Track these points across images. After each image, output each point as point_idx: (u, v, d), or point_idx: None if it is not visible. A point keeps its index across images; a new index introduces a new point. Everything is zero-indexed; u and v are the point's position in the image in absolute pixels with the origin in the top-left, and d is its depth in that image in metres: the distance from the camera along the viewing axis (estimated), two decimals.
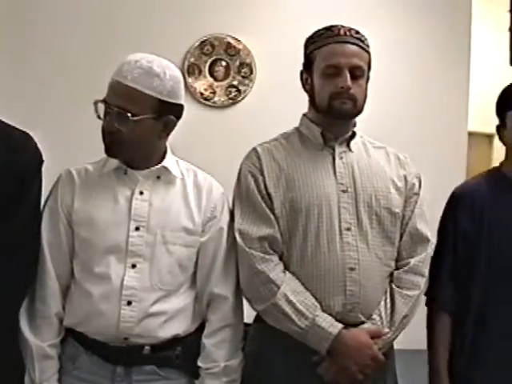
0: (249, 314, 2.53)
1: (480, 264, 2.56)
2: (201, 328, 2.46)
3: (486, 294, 2.54)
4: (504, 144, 2.63)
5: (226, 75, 4.79)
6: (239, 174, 2.54)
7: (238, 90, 4.77)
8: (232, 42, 4.76)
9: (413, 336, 2.62)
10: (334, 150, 2.53)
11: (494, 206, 2.59)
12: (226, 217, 2.47)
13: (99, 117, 2.34)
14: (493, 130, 2.67)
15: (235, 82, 4.78)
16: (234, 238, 2.44)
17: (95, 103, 2.33)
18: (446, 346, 2.59)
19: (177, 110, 2.38)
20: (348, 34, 2.48)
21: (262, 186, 2.47)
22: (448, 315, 2.60)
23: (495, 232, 2.56)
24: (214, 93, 4.76)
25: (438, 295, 2.59)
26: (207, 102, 4.72)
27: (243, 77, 4.77)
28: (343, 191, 2.46)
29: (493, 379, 2.54)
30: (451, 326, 2.60)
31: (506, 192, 2.62)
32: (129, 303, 2.31)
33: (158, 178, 2.42)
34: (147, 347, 2.35)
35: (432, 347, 2.63)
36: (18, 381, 2.36)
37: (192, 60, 4.72)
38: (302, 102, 2.62)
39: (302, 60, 2.58)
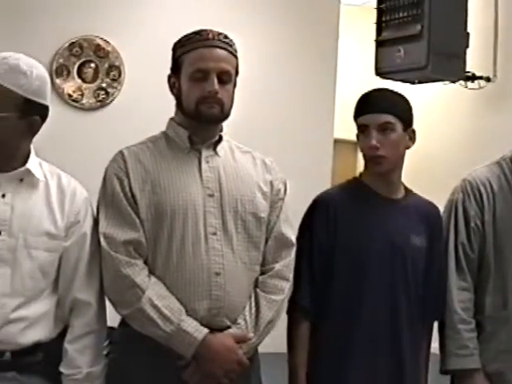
0: (112, 318, 2.51)
1: (338, 272, 2.62)
2: (63, 333, 2.42)
3: (344, 299, 2.61)
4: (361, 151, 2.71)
5: (95, 77, 4.75)
6: (104, 176, 2.50)
7: (107, 93, 4.73)
8: (101, 43, 4.72)
9: (278, 339, 2.66)
10: (200, 153, 2.53)
11: (350, 216, 2.66)
12: (89, 222, 2.44)
13: None
14: None
15: (104, 85, 4.74)
16: (98, 244, 2.42)
17: None
18: (305, 351, 2.64)
19: (42, 111, 2.34)
20: (216, 38, 2.49)
21: (128, 189, 2.44)
22: (308, 321, 2.64)
23: (350, 240, 2.63)
24: (82, 95, 4.70)
25: (298, 301, 2.63)
26: (75, 104, 4.67)
27: (112, 79, 4.74)
28: (209, 195, 2.46)
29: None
30: (310, 330, 2.64)
31: (364, 200, 2.70)
32: None
33: (21, 180, 2.37)
34: (8, 353, 2.30)
35: (291, 353, 2.66)
36: None
37: (61, 61, 4.65)
38: (171, 106, 2.61)
39: (167, 63, 2.58)
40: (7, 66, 2.26)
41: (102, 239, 2.40)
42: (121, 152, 2.52)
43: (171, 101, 2.61)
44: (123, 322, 2.49)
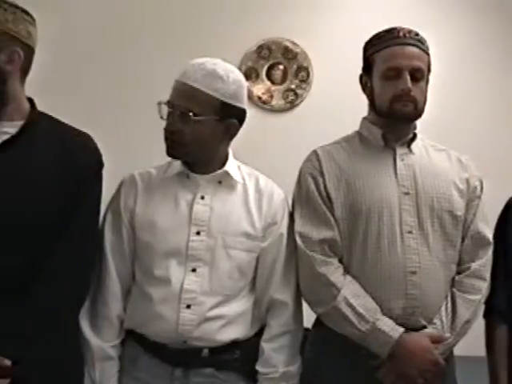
0: (307, 319, 2.52)
1: None
2: (260, 332, 2.45)
3: None
4: None
5: (284, 79, 4.78)
6: (299, 176, 2.53)
7: (296, 94, 4.75)
8: (289, 45, 4.74)
9: (473, 342, 2.59)
10: (395, 151, 2.51)
11: None
12: (286, 222, 2.46)
13: (162, 117, 2.36)
14: None
15: (293, 86, 4.77)
16: (294, 244, 2.44)
17: (159, 104, 2.36)
18: (504, 355, 2.55)
19: (239, 114, 2.39)
20: (408, 35, 2.46)
21: (322, 188, 2.46)
22: (505, 324, 2.56)
23: None
24: (271, 97, 4.75)
25: (494, 304, 2.55)
26: (265, 106, 4.72)
27: (301, 80, 4.76)
28: (405, 193, 2.44)
29: None
30: (509, 335, 2.56)
31: None
32: (188, 307, 2.32)
33: (220, 182, 2.43)
34: (206, 350, 2.36)
35: (491, 357, 2.59)
36: (78, 382, 2.39)
37: (249, 64, 4.72)
38: (359, 106, 2.60)
39: (358, 63, 2.57)
40: (205, 71, 2.32)
41: (297, 238, 2.43)
42: (315, 151, 2.55)
43: (358, 100, 2.60)
44: (317, 323, 2.52)
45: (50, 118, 2.38)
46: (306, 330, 2.54)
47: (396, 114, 2.43)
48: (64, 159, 2.27)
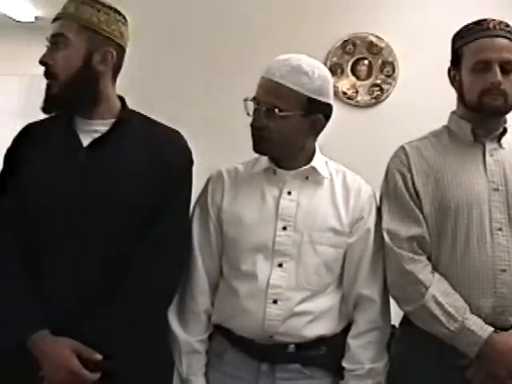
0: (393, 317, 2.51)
1: None
2: (348, 328, 2.44)
3: None
4: None
5: (369, 74, 4.75)
6: (386, 172, 2.52)
7: (381, 89, 4.72)
8: (374, 40, 4.71)
9: None
10: (484, 146, 2.47)
11: None
12: (373, 218, 2.45)
13: (248, 114, 2.38)
14: None
15: (378, 81, 4.73)
16: (381, 240, 2.42)
17: (245, 100, 2.38)
18: None
19: (325, 109, 2.38)
20: (498, 27, 2.42)
21: (410, 184, 2.44)
22: None
23: None
24: (356, 92, 4.72)
25: None
26: (350, 102, 4.70)
27: (386, 75, 4.72)
28: (494, 189, 2.39)
29: None
30: None
31: None
32: (274, 302, 2.32)
33: (307, 178, 2.42)
34: (292, 346, 2.36)
35: None
36: (167, 375, 2.42)
37: (334, 60, 4.70)
38: (445, 100, 2.56)
39: (446, 56, 2.53)
40: (290, 67, 2.33)
41: (385, 235, 2.41)
42: (403, 147, 2.52)
43: (444, 94, 2.56)
44: (405, 321, 2.49)
45: (141, 115, 2.43)
46: (393, 327, 2.52)
47: (485, 108, 2.39)
48: (155, 156, 2.31)
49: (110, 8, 2.32)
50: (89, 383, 2.19)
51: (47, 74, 2.29)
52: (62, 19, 2.30)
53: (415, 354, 2.43)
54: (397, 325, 2.57)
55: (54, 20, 2.32)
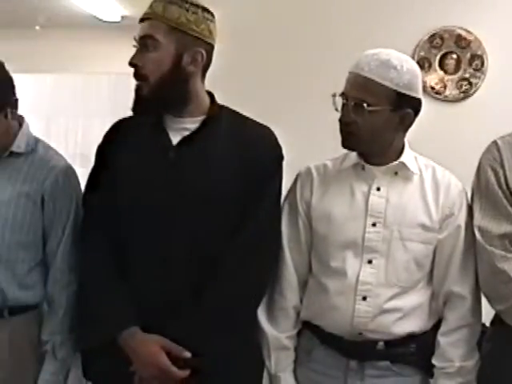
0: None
1: None
2: (436, 325, 2.42)
3: None
4: None
5: (457, 68, 4.68)
6: (478, 167, 2.46)
7: (470, 83, 4.64)
8: (463, 33, 4.63)
9: None
10: None
11: None
12: (464, 214, 2.40)
13: (337, 109, 2.37)
14: None
15: (467, 75, 4.65)
16: (472, 236, 2.38)
17: (333, 96, 2.37)
18: None
19: (414, 104, 2.36)
20: None
21: (503, 180, 2.38)
22: None
23: None
24: (445, 86, 4.66)
25: None
26: (439, 96, 4.64)
27: (475, 69, 4.64)
28: None
29: None
30: None
31: None
32: (364, 298, 2.32)
33: (396, 173, 2.40)
34: (381, 343, 2.36)
35: None
36: (257, 374, 2.44)
37: (422, 54, 4.64)
38: None
39: None
40: (378, 62, 2.31)
41: (476, 232, 2.36)
42: (495, 142, 2.47)
43: None
44: (496, 320, 2.44)
45: (231, 111, 2.43)
46: (483, 326, 2.48)
47: None
48: (245, 153, 2.32)
49: (198, 6, 2.31)
50: (178, 380, 2.23)
51: (137, 76, 2.30)
52: (150, 20, 2.29)
53: (507, 355, 2.39)
54: (487, 323, 2.52)
55: (142, 20, 2.32)
